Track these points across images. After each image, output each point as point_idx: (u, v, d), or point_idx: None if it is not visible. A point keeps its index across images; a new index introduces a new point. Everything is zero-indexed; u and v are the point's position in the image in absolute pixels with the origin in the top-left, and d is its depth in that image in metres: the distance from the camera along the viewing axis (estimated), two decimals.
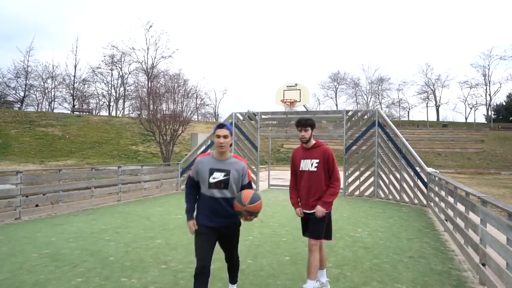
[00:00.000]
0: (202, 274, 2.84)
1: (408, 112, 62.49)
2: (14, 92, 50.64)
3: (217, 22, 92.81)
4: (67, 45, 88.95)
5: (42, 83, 52.67)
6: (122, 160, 31.54)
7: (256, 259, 4.91)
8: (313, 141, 3.61)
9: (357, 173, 12.23)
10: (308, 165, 3.54)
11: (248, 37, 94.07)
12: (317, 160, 3.50)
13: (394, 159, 11.38)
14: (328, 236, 3.60)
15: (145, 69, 46.05)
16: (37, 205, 8.46)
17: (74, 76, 54.14)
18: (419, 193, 10.47)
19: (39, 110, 50.79)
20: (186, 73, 79.72)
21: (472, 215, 5.02)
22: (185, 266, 4.52)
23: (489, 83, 56.47)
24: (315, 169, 3.49)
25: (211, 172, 2.95)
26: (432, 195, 9.27)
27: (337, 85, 64.64)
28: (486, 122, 57.62)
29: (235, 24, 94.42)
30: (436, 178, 9.04)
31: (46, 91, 53.49)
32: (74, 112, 49.50)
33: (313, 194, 3.50)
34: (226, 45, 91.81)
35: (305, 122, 3.53)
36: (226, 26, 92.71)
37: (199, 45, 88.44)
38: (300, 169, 3.60)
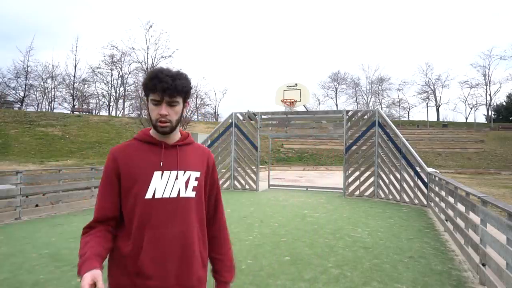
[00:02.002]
0: None
1: (408, 112, 62.52)
2: (14, 92, 50.69)
3: (217, 22, 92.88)
4: (67, 45, 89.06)
5: (42, 83, 52.72)
6: None
7: (256, 259, 4.91)
8: (178, 131, 1.55)
9: (357, 173, 12.23)
10: (175, 184, 1.43)
11: (248, 37, 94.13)
12: (198, 173, 1.49)
13: (394, 159, 11.38)
14: None
15: (145, 69, 46.01)
16: (37, 205, 8.45)
17: (74, 76, 54.17)
18: (419, 193, 10.47)
19: (39, 110, 50.80)
20: (186, 73, 79.49)
21: (472, 215, 5.02)
22: None
23: (489, 83, 56.49)
24: (193, 195, 1.46)
25: None
26: (432, 195, 9.27)
27: (337, 85, 64.66)
28: (486, 122, 57.60)
29: (235, 24, 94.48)
30: (436, 178, 9.03)
31: (46, 91, 53.55)
32: (74, 112, 49.51)
33: (190, 263, 1.41)
34: (226, 45, 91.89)
35: (172, 84, 1.38)
36: (226, 26, 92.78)
37: (199, 45, 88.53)
38: (149, 195, 1.38)
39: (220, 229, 1.61)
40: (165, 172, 1.42)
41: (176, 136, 1.51)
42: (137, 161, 1.42)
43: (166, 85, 1.37)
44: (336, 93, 64.71)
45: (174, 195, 1.41)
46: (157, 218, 1.36)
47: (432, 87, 60.29)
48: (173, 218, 1.38)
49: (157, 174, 1.41)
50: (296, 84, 14.86)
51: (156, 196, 1.39)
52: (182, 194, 1.43)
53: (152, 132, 1.48)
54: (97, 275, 1.16)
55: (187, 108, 1.57)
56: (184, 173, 1.45)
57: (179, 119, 1.47)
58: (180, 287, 1.37)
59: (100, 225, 1.38)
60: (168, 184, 1.41)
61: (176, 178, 1.43)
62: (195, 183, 1.47)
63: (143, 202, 1.37)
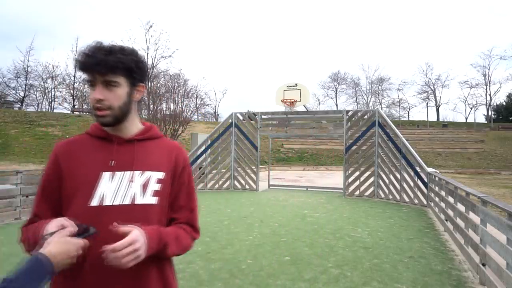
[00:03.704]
0: None
1: (408, 112, 62.51)
2: (14, 92, 50.63)
3: (217, 22, 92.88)
4: (67, 45, 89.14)
5: (42, 83, 52.68)
6: None
7: (256, 259, 4.91)
8: (138, 123, 1.28)
9: (357, 173, 12.23)
10: (129, 188, 1.15)
11: (248, 37, 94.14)
12: (160, 174, 1.20)
13: (394, 159, 11.38)
14: None
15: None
16: None
17: (74, 76, 54.07)
18: (419, 193, 10.47)
19: (39, 110, 50.79)
20: (186, 73, 79.36)
21: (472, 215, 5.02)
22: (185, 266, 4.52)
23: (489, 83, 56.48)
24: (154, 201, 1.16)
25: None
26: (432, 195, 9.27)
27: (337, 85, 64.64)
28: (486, 122, 57.58)
29: (235, 24, 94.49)
30: (436, 178, 9.03)
31: (46, 91, 53.51)
32: (74, 112, 49.50)
33: (139, 283, 1.11)
34: (226, 45, 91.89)
35: (104, 58, 1.08)
36: (226, 26, 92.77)
37: (199, 45, 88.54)
38: (95, 202, 1.10)
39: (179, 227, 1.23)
40: (116, 173, 1.14)
41: (134, 128, 1.22)
42: (83, 159, 1.15)
43: (96, 60, 1.07)
44: (336, 93, 64.72)
45: (127, 201, 1.12)
46: (104, 230, 1.02)
47: (432, 87, 60.30)
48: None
49: (105, 175, 1.13)
50: (296, 84, 14.87)
51: (105, 203, 1.10)
52: (138, 201, 1.13)
53: None
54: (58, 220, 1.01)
55: (142, 94, 1.23)
56: (142, 174, 1.16)
57: (126, 106, 1.16)
58: None
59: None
60: (120, 188, 1.12)
61: (131, 181, 1.14)
62: (157, 187, 1.17)
63: (87, 210, 1.08)
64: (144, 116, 29.64)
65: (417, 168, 10.76)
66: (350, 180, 12.30)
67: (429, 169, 10.55)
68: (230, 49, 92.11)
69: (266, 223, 7.41)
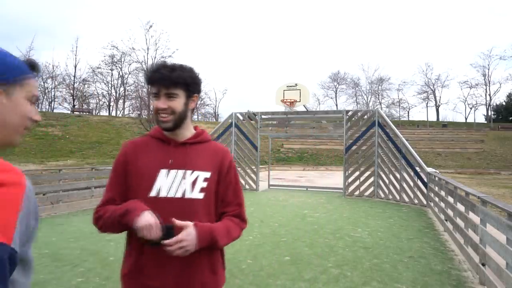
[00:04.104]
0: None
1: (408, 112, 62.50)
2: None
3: (217, 22, 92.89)
4: (67, 45, 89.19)
5: (42, 83, 52.60)
6: None
7: (256, 259, 4.91)
8: (191, 128, 1.48)
9: (357, 173, 12.23)
10: (181, 184, 1.36)
11: (248, 37, 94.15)
12: (208, 174, 1.40)
13: (394, 159, 11.38)
14: None
15: (145, 69, 46.00)
16: None
17: (74, 76, 54.12)
18: (419, 193, 10.47)
19: (39, 110, 50.43)
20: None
21: (472, 215, 5.02)
22: None
23: (489, 83, 56.46)
24: (201, 196, 1.37)
25: None
26: (432, 195, 9.27)
27: (337, 85, 64.62)
28: (486, 122, 57.58)
29: (235, 24, 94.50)
30: (436, 178, 9.04)
31: (46, 91, 53.50)
32: (74, 112, 49.47)
33: (193, 268, 1.35)
34: (226, 45, 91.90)
35: (169, 74, 1.33)
36: (225, 26, 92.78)
37: (199, 45, 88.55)
38: (153, 193, 1.34)
39: (227, 219, 1.43)
40: (171, 170, 1.35)
41: (188, 133, 1.43)
42: (145, 157, 1.38)
43: (161, 75, 1.31)
44: (336, 93, 64.70)
45: (179, 195, 1.33)
46: (160, 217, 1.25)
47: (431, 87, 60.29)
48: (177, 219, 1.26)
49: (163, 172, 1.35)
50: (296, 84, 14.87)
51: (161, 195, 1.32)
52: (187, 195, 1.34)
53: None
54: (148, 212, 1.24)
55: (195, 104, 1.44)
56: (192, 173, 1.37)
57: (183, 114, 1.37)
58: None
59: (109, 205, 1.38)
60: (173, 184, 1.34)
61: (183, 178, 1.35)
62: (204, 184, 1.37)
63: (147, 200, 1.31)
64: (144, 116, 29.63)
65: (417, 168, 10.77)
66: (350, 180, 12.30)
67: (429, 169, 10.56)
68: (230, 49, 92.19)
69: (266, 223, 7.41)
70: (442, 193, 7.65)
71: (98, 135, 37.41)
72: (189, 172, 1.37)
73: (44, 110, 51.21)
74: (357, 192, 12.10)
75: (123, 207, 1.29)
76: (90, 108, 55.83)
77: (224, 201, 1.44)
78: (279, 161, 35.18)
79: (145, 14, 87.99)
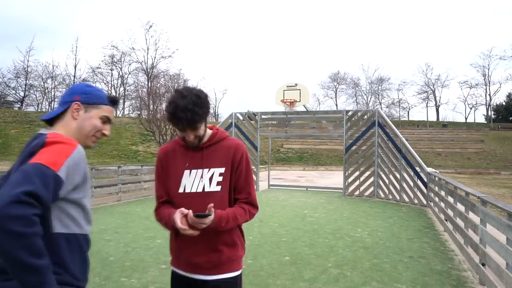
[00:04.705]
0: None
1: (408, 112, 62.46)
2: (14, 92, 50.62)
3: (217, 23, 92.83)
4: (67, 45, 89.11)
5: (42, 83, 52.67)
6: (122, 160, 31.53)
7: (256, 259, 4.91)
8: (209, 132, 1.73)
9: (357, 173, 12.24)
10: (200, 181, 1.69)
11: (248, 37, 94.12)
12: (222, 169, 1.69)
13: (394, 159, 11.39)
14: None
15: (145, 69, 46.10)
16: None
17: (74, 76, 54.09)
18: (419, 193, 10.48)
19: (39, 110, 50.77)
20: (186, 73, 79.43)
21: (472, 215, 5.02)
22: None
23: (489, 83, 56.41)
24: (218, 188, 1.68)
25: None
26: (432, 195, 9.27)
27: (337, 85, 64.55)
28: (486, 122, 57.57)
29: (235, 24, 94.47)
30: (436, 178, 9.04)
31: (46, 91, 53.52)
32: None
33: (215, 243, 1.69)
34: (226, 45, 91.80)
35: (190, 119, 1.55)
36: (225, 26, 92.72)
37: (199, 45, 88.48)
38: (181, 190, 1.69)
39: (234, 205, 1.73)
40: (192, 170, 1.69)
41: (205, 137, 1.70)
42: (173, 162, 1.72)
43: (185, 123, 1.54)
44: (336, 93, 64.65)
45: (199, 190, 1.67)
46: (188, 208, 1.58)
47: (431, 87, 60.25)
48: (200, 208, 1.57)
49: (186, 172, 1.69)
50: (296, 84, 14.88)
51: (186, 191, 1.68)
52: (206, 189, 1.67)
53: None
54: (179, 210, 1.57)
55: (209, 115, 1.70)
56: (209, 170, 1.69)
57: (205, 132, 1.67)
58: (207, 260, 1.67)
59: (162, 204, 1.74)
60: (194, 181, 1.68)
61: (202, 176, 1.68)
62: (220, 178, 1.69)
63: (177, 195, 1.69)
64: (144, 116, 29.63)
65: (417, 168, 10.77)
66: (350, 180, 12.31)
67: (429, 169, 10.56)
68: (230, 49, 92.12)
69: (266, 223, 7.41)
70: (442, 193, 7.65)
71: None
72: (206, 170, 1.69)
73: (44, 110, 51.19)
74: (357, 192, 12.10)
75: (169, 218, 1.62)
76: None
77: (236, 189, 1.72)
78: (279, 161, 35.19)
79: (145, 14, 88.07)
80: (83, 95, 1.37)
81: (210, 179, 1.68)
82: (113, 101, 1.45)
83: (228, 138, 1.77)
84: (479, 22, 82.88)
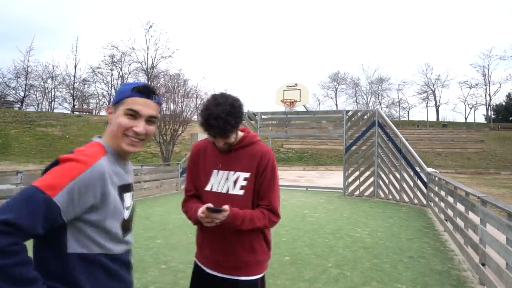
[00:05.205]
0: None
1: (408, 112, 62.41)
2: (14, 92, 50.56)
3: (217, 23, 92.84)
4: (67, 45, 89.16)
5: (42, 83, 52.56)
6: None
7: None
8: (240, 134, 1.76)
9: (357, 173, 12.24)
10: (226, 182, 1.73)
11: (248, 37, 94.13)
12: (247, 174, 1.71)
13: (394, 159, 11.39)
14: None
15: (145, 69, 46.01)
16: None
17: (74, 76, 54.06)
18: (419, 193, 10.48)
19: (39, 110, 50.74)
20: (186, 73, 79.30)
21: (472, 215, 5.02)
22: (185, 266, 4.52)
23: (489, 83, 56.38)
24: (241, 192, 1.71)
25: None
26: (432, 195, 9.27)
27: (337, 85, 64.52)
28: (486, 122, 57.55)
29: (235, 24, 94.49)
30: (436, 178, 9.04)
31: (46, 91, 53.42)
32: (74, 112, 49.48)
33: (233, 246, 1.71)
34: (226, 45, 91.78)
35: (223, 128, 1.58)
36: (225, 26, 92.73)
37: (199, 45, 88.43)
38: (208, 188, 1.76)
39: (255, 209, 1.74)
40: (220, 171, 1.74)
41: (235, 140, 1.73)
42: (204, 160, 1.78)
43: (217, 130, 1.56)
44: (336, 93, 64.63)
45: (224, 191, 1.72)
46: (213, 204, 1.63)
47: (431, 87, 60.22)
48: None
49: (215, 172, 1.75)
50: (296, 84, 14.88)
51: (213, 190, 1.73)
52: (230, 192, 1.71)
53: None
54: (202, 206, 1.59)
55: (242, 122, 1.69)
56: (234, 173, 1.72)
57: (236, 139, 1.70)
58: (225, 260, 1.69)
59: (190, 198, 1.81)
60: (221, 182, 1.73)
61: (227, 178, 1.72)
62: (244, 183, 1.71)
63: (204, 192, 1.75)
64: None
65: (417, 168, 10.77)
66: (350, 180, 12.30)
67: (429, 169, 10.56)
68: (230, 49, 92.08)
69: None
70: (442, 193, 7.65)
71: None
72: (232, 173, 1.72)
73: (44, 110, 51.20)
74: (357, 192, 12.10)
75: (195, 211, 1.65)
76: (90, 108, 55.82)
77: (259, 195, 1.73)
78: (279, 161, 35.18)
79: (145, 14, 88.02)
80: (114, 97, 1.26)
81: (235, 182, 1.72)
82: (140, 91, 1.21)
83: (257, 143, 1.78)
84: (479, 22, 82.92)
